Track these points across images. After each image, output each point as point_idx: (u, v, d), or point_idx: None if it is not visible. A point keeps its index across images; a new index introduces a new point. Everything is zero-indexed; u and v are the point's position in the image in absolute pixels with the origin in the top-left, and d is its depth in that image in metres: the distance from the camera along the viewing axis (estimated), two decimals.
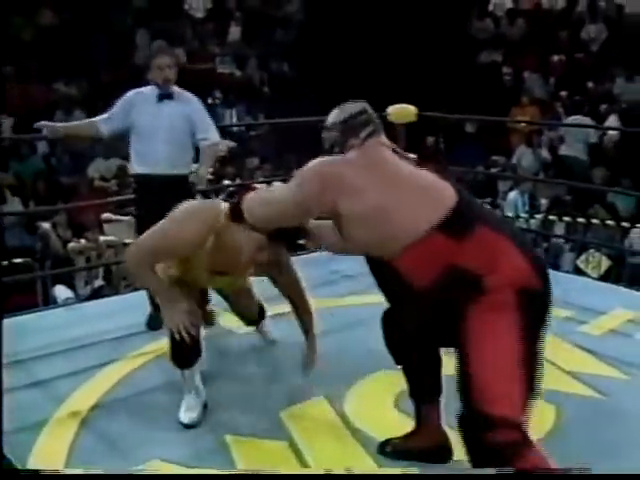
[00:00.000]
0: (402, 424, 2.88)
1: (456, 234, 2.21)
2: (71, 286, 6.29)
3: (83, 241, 6.63)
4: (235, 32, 12.35)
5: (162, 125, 3.87)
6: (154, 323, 3.87)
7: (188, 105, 3.93)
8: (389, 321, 2.66)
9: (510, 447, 2.08)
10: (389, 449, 2.79)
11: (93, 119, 4.01)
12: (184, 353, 2.93)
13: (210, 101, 11.46)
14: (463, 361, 2.20)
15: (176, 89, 3.96)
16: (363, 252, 2.46)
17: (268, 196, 2.52)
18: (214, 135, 3.93)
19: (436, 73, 10.59)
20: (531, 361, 2.16)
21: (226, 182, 7.74)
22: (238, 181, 8.02)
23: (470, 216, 2.26)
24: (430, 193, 2.27)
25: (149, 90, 3.95)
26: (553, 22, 11.64)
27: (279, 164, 9.49)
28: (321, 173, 2.33)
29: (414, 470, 2.62)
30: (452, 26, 11.53)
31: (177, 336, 2.83)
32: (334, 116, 2.53)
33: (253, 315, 3.64)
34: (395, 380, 2.87)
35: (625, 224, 7.68)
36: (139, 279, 2.94)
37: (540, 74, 11.03)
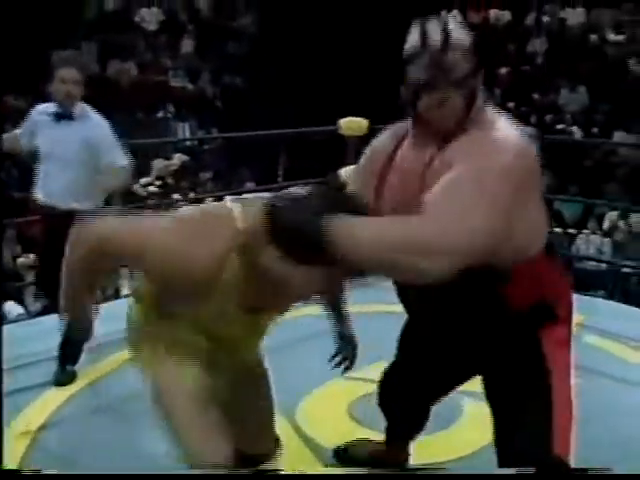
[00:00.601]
0: (354, 432, 2.90)
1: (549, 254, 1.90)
2: (21, 302, 6.20)
3: (32, 256, 6.55)
4: (188, 45, 12.33)
5: (58, 151, 3.36)
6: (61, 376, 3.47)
7: (91, 129, 3.37)
8: (395, 377, 2.40)
9: None
10: (344, 454, 2.77)
11: (16, 131, 3.65)
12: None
13: (162, 114, 11.43)
14: (545, 399, 1.85)
15: (80, 108, 3.41)
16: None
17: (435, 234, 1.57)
18: (121, 159, 3.40)
19: (389, 86, 10.67)
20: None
21: (176, 196, 7.69)
22: (192, 195, 7.99)
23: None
24: None
25: (52, 107, 3.45)
26: (500, 36, 11.83)
27: (232, 178, 9.48)
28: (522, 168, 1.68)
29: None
30: (403, 40, 11.63)
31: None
32: (457, 34, 1.78)
33: None
34: (348, 388, 2.88)
35: (572, 231, 7.84)
36: (66, 274, 1.87)
37: (487, 86, 11.18)
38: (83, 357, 3.62)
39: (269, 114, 8.32)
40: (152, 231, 1.72)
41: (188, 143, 10.25)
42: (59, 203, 3.39)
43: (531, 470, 1.68)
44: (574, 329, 2.00)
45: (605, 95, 10.18)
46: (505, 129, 1.80)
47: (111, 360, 3.58)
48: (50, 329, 4.16)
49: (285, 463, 2.72)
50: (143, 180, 3.64)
